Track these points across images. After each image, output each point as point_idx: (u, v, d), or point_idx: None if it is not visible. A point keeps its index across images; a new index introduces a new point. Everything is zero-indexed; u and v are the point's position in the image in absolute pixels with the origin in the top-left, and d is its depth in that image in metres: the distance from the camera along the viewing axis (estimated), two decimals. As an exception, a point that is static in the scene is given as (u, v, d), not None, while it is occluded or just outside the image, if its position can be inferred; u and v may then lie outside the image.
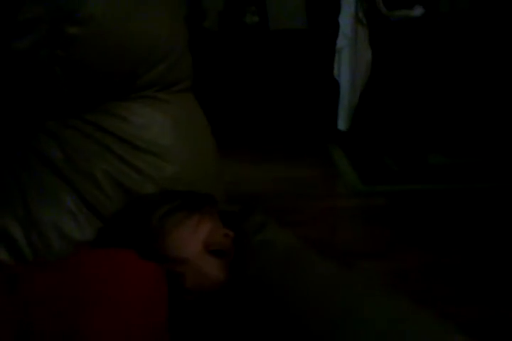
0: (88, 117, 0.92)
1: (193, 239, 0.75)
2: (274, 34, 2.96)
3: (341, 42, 2.53)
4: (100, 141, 0.91)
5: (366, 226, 2.10)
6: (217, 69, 2.76)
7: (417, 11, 2.56)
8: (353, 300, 0.61)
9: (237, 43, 2.92)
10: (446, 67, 2.53)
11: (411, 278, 1.67)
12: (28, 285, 0.61)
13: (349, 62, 2.51)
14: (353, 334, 0.56)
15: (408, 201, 2.23)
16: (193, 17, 2.78)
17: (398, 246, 1.87)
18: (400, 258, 1.78)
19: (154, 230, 0.75)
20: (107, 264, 0.66)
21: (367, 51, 2.56)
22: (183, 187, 0.90)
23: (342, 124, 2.61)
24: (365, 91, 2.57)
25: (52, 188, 0.86)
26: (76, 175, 0.88)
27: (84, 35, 0.86)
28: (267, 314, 0.64)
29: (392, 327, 0.56)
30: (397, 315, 0.58)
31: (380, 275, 1.65)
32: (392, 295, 0.63)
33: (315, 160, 2.66)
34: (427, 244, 1.89)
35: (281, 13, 3.03)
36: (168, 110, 0.97)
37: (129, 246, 0.71)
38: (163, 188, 0.89)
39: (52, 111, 0.91)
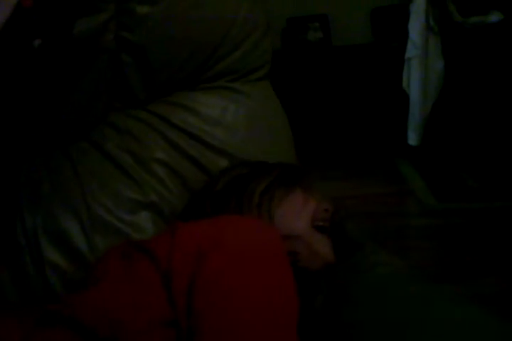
0: (153, 108, 0.84)
1: (303, 216, 0.70)
2: (338, 50, 2.91)
3: (411, 52, 2.39)
4: (165, 135, 0.83)
5: (440, 247, 1.91)
6: (281, 86, 2.70)
7: (494, 17, 2.38)
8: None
9: (301, 60, 2.87)
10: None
11: (490, 306, 1.46)
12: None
13: (419, 73, 2.36)
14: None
15: (488, 220, 2.01)
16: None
17: (476, 270, 1.69)
18: (477, 284, 1.59)
19: (257, 207, 0.68)
20: None
21: (438, 61, 2.41)
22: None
23: (413, 138, 2.44)
24: (437, 103, 2.41)
25: (113, 182, 0.78)
26: (139, 171, 0.80)
27: (154, 16, 0.79)
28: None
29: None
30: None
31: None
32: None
33: (383, 176, 2.50)
34: (509, 268, 1.67)
35: (345, 28, 2.98)
36: (242, 102, 0.87)
37: None
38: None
39: (116, 102, 0.84)
